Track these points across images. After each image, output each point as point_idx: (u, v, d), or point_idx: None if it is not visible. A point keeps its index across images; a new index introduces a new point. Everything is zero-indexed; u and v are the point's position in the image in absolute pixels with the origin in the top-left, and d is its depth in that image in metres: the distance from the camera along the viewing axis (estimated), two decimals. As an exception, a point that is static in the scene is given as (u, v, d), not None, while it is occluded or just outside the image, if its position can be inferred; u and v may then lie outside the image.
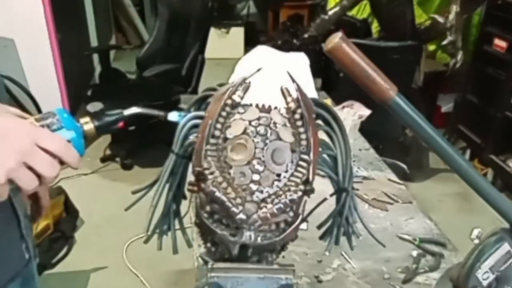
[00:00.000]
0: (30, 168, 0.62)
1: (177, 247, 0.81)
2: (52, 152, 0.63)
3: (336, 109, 1.01)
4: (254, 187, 0.68)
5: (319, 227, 0.82)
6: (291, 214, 0.70)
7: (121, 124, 0.75)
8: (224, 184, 0.67)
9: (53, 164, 0.64)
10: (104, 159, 3.40)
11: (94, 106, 0.69)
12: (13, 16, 3.02)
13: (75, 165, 0.67)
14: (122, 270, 2.40)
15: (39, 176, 0.63)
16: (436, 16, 3.02)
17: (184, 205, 0.85)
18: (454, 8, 2.88)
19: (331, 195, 0.79)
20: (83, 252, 2.53)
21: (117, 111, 0.75)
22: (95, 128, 0.71)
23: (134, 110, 0.78)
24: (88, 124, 0.71)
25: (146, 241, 0.82)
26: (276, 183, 0.69)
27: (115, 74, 3.70)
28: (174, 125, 0.78)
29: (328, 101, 1.89)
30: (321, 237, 0.83)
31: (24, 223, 0.90)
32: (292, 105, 0.71)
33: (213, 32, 4.15)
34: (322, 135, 0.75)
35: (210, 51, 3.67)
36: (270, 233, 0.70)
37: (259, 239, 0.69)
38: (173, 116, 0.76)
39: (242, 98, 0.72)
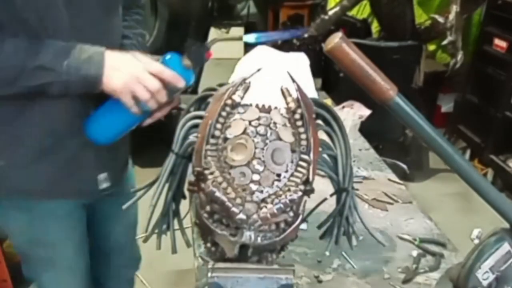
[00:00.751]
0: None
1: (176, 247, 0.81)
2: (159, 77, 0.89)
3: (336, 109, 1.01)
4: (254, 187, 0.68)
5: (319, 226, 0.82)
6: (291, 214, 0.70)
7: (208, 54, 1.00)
8: (224, 184, 0.67)
9: (158, 85, 0.89)
10: (104, 159, 3.39)
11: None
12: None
13: (179, 83, 0.91)
14: (122, 270, 2.40)
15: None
16: (436, 16, 3.02)
17: (185, 206, 0.85)
18: (454, 8, 2.88)
19: (331, 195, 0.79)
20: (83, 252, 2.53)
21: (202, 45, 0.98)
22: (190, 61, 0.94)
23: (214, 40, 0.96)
24: (186, 60, 0.93)
25: (145, 240, 0.82)
26: (276, 183, 0.69)
27: (115, 74, 3.70)
28: (174, 125, 0.78)
29: (328, 101, 1.89)
30: (321, 237, 0.83)
31: (103, 153, 1.02)
32: (292, 105, 0.71)
33: (213, 32, 4.14)
34: (322, 135, 0.75)
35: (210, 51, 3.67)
36: (270, 233, 0.70)
37: (259, 239, 0.69)
38: (249, 37, 0.85)
39: (242, 98, 0.72)
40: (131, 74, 0.88)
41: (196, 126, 0.75)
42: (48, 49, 0.86)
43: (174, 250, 0.81)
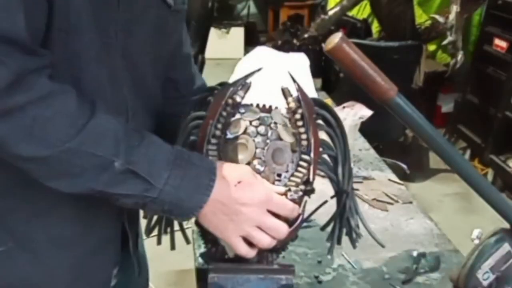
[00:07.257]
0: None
1: (175, 243, 0.80)
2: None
3: (337, 110, 1.00)
4: (254, 187, 0.68)
5: (322, 228, 0.82)
6: (292, 214, 0.70)
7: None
8: (225, 184, 0.67)
9: (280, 227, 0.69)
10: (104, 159, 3.39)
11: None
12: (13, 16, 3.01)
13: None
14: (122, 270, 2.40)
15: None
16: (436, 16, 3.02)
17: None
18: (454, 8, 2.88)
19: (332, 197, 0.79)
20: (83, 252, 2.52)
21: None
22: None
23: None
24: None
25: (147, 234, 0.80)
26: (276, 183, 0.69)
27: (115, 74, 3.70)
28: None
29: (329, 101, 1.89)
30: (327, 239, 0.83)
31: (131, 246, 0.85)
32: (293, 105, 0.71)
33: (213, 32, 4.13)
34: (322, 135, 0.75)
35: (210, 51, 3.66)
36: (270, 233, 0.70)
37: (259, 239, 0.69)
38: None
39: (242, 98, 0.72)
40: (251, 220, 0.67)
41: (198, 127, 0.75)
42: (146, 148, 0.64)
43: (172, 246, 0.80)
